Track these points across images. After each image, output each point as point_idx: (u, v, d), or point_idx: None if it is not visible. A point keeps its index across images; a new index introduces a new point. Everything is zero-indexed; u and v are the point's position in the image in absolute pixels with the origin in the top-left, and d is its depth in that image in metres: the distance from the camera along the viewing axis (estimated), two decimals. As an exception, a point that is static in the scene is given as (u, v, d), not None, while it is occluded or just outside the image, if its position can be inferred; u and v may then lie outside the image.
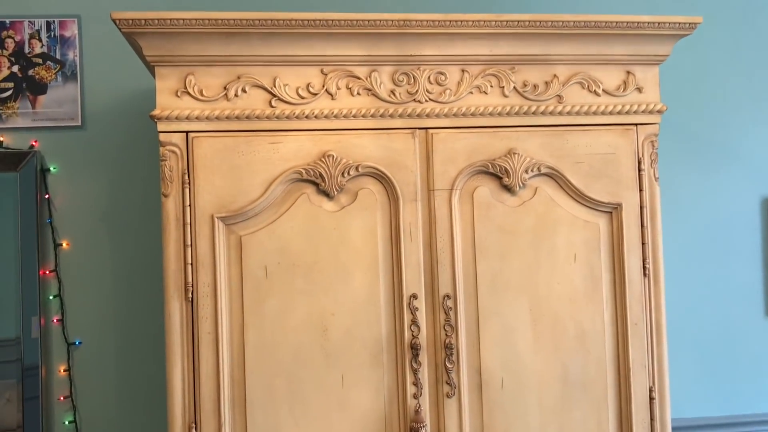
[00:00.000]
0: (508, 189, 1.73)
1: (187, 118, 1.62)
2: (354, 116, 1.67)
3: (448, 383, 1.68)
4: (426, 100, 1.70)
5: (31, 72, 2.18)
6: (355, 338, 1.66)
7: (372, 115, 1.67)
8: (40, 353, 2.12)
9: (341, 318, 1.66)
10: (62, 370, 2.15)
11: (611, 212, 1.77)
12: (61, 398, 2.15)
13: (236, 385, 1.62)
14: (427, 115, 1.69)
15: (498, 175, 1.72)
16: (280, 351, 1.63)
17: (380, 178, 1.68)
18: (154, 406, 2.15)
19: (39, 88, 2.18)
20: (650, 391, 1.76)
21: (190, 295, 1.60)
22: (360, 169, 1.66)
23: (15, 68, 2.17)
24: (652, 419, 1.76)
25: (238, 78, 1.64)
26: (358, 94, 1.68)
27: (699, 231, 2.45)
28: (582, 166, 1.75)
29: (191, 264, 1.61)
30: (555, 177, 1.74)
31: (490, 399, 1.70)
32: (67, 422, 2.15)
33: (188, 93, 1.63)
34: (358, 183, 1.68)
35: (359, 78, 1.68)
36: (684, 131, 2.45)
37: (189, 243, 1.61)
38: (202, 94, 1.63)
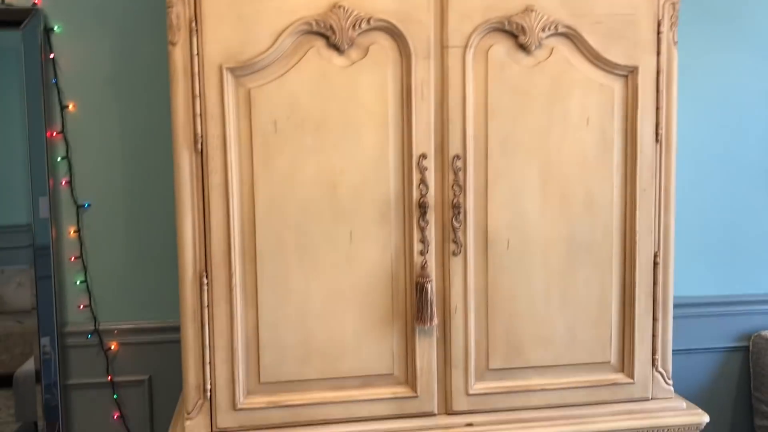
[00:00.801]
0: (524, 48, 1.69)
1: (195, -37, 1.56)
2: (367, -35, 1.61)
3: (454, 242, 1.70)
4: (442, -49, 1.63)
5: (31, -76, 2.09)
6: (363, 196, 1.66)
7: (386, -35, 1.61)
8: (48, 233, 2.13)
9: (350, 175, 1.66)
10: (72, 232, 2.18)
11: (627, 76, 1.73)
12: (72, 258, 2.18)
13: (246, 236, 1.64)
14: (443, -33, 1.64)
15: (514, 33, 1.67)
16: (290, 205, 1.64)
17: (392, 32, 1.64)
18: (164, 262, 2.19)
19: (39, -59, 2.10)
20: (655, 256, 1.78)
21: (200, 147, 1.60)
22: (372, 22, 1.62)
23: None
24: (655, 283, 1.79)
25: None
26: (373, -58, 1.61)
27: (714, 103, 2.41)
28: (600, 27, 1.70)
29: (200, 115, 1.59)
30: (572, 37, 1.70)
31: (495, 258, 1.72)
32: (78, 282, 2.19)
33: (195, -64, 1.56)
34: (369, 37, 1.64)
35: (373, -75, 1.61)
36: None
37: (197, 94, 1.59)
38: (209, -62, 1.57)
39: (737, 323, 2.51)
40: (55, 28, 2.13)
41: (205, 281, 1.62)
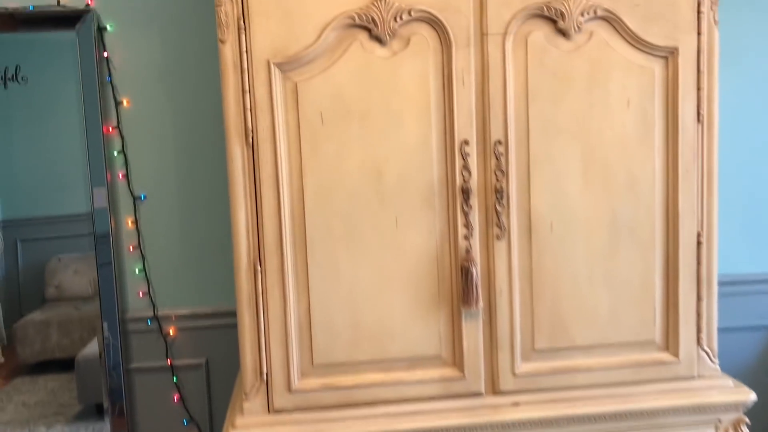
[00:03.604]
0: (563, 33, 1.71)
1: (241, -39, 1.62)
2: (408, -42, 1.65)
3: (498, 226, 1.74)
4: (480, -59, 1.66)
5: (82, -72, 2.18)
6: (408, 182, 1.71)
7: (430, -44, 1.65)
8: (108, 222, 2.23)
9: (395, 163, 1.71)
10: (130, 223, 2.28)
11: (667, 57, 1.74)
12: (131, 248, 2.29)
13: (297, 225, 1.70)
14: (482, -44, 1.66)
15: (553, 19, 1.70)
16: (338, 194, 1.70)
17: (433, 22, 1.67)
18: (218, 249, 2.28)
19: (90, -56, 2.18)
20: (698, 236, 1.79)
21: (251, 140, 1.66)
22: (412, 13, 1.66)
23: (66, -75, 2.17)
24: (698, 263, 1.80)
25: None
26: (411, -65, 1.65)
27: (756, 83, 2.39)
28: (639, 9, 1.71)
29: (250, 109, 1.66)
30: (611, 20, 1.71)
31: (539, 241, 1.76)
32: (137, 271, 2.30)
33: (240, -64, 1.62)
34: (410, 28, 1.68)
35: None
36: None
37: (247, 89, 1.65)
38: (253, -63, 1.62)
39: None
40: (108, 27, 2.21)
41: (259, 269, 1.70)
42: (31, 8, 2.17)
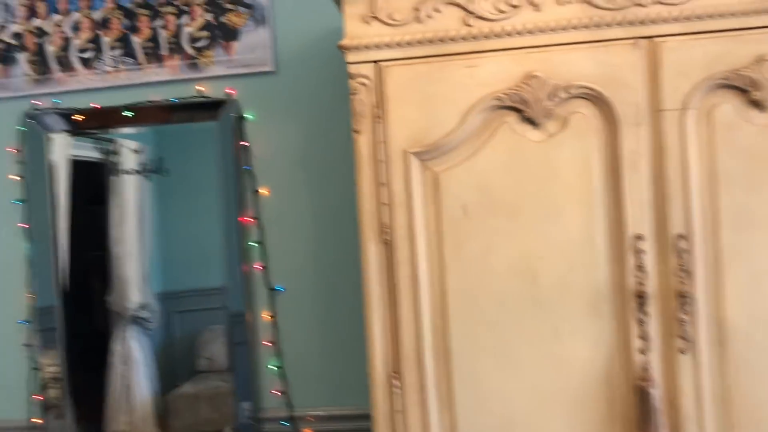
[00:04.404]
0: (757, 104, 1.41)
1: (377, 46, 1.49)
2: (563, 29, 1.44)
3: (681, 337, 1.43)
4: (650, 3, 1.42)
5: (222, 18, 2.17)
6: (568, 285, 1.46)
7: (585, 26, 1.43)
8: (243, 301, 2.15)
9: (551, 262, 1.47)
10: (266, 316, 2.18)
11: None
12: (266, 343, 2.18)
13: (438, 333, 1.50)
14: (653, 21, 1.42)
15: (743, 89, 1.41)
16: (484, 297, 1.48)
17: (595, 99, 1.44)
18: (357, 353, 2.11)
19: (231, 34, 2.17)
20: None
21: (387, 237, 1.50)
22: (571, 91, 1.44)
23: (209, 16, 2.18)
24: None
25: (430, -4, 1.48)
26: (568, 2, 1.44)
27: None
28: None
29: (386, 204, 1.49)
30: (821, 87, 1.40)
31: (734, 356, 1.43)
32: (273, 366, 2.18)
33: (377, 18, 1.49)
34: (568, 107, 1.46)
35: (568, -16, 1.44)
36: None
37: (383, 182, 1.49)
38: (391, 18, 1.49)
39: None
40: (248, 116, 2.17)
41: (397, 383, 1.50)
42: (174, 100, 2.17)
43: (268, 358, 2.18)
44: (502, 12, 1.46)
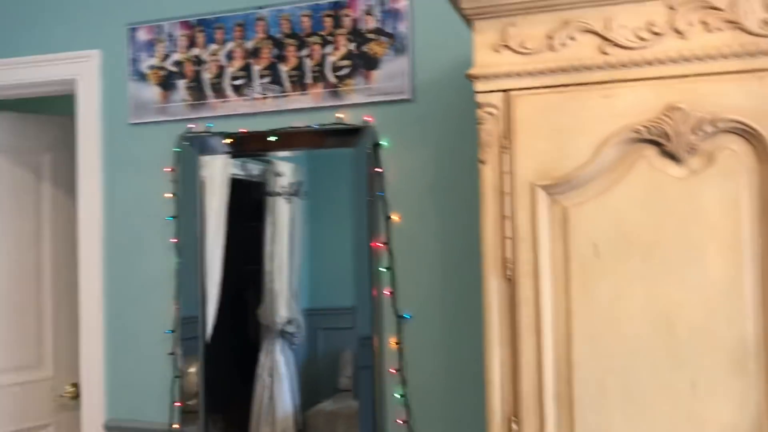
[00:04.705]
0: None
1: (507, 74, 1.45)
2: (711, 57, 1.32)
3: None
4: (816, 28, 1.28)
5: (364, 48, 2.21)
6: (709, 336, 1.33)
7: (736, 55, 1.31)
8: (371, 325, 2.16)
9: (691, 310, 1.34)
10: (393, 343, 2.17)
11: None
12: (393, 371, 2.16)
13: (561, 379, 1.41)
14: (817, 48, 1.27)
15: None
16: (613, 344, 1.38)
17: (746, 134, 1.31)
18: (480, 389, 2.05)
19: (372, 63, 2.20)
20: None
21: (509, 273, 1.44)
22: (718, 125, 1.32)
23: (352, 46, 2.23)
24: None
25: (565, 24, 1.42)
26: (718, 29, 1.33)
27: None
28: None
29: (510, 238, 1.44)
30: None
31: None
32: (398, 395, 2.16)
33: (508, 47, 1.45)
34: (714, 142, 1.33)
35: (718, 9, 1.33)
36: None
37: (507, 215, 1.44)
38: (523, 47, 1.44)
39: None
40: (383, 142, 2.19)
41: (515, 428, 1.43)
42: (315, 127, 2.24)
43: (394, 385, 2.17)
44: (643, 39, 1.36)
